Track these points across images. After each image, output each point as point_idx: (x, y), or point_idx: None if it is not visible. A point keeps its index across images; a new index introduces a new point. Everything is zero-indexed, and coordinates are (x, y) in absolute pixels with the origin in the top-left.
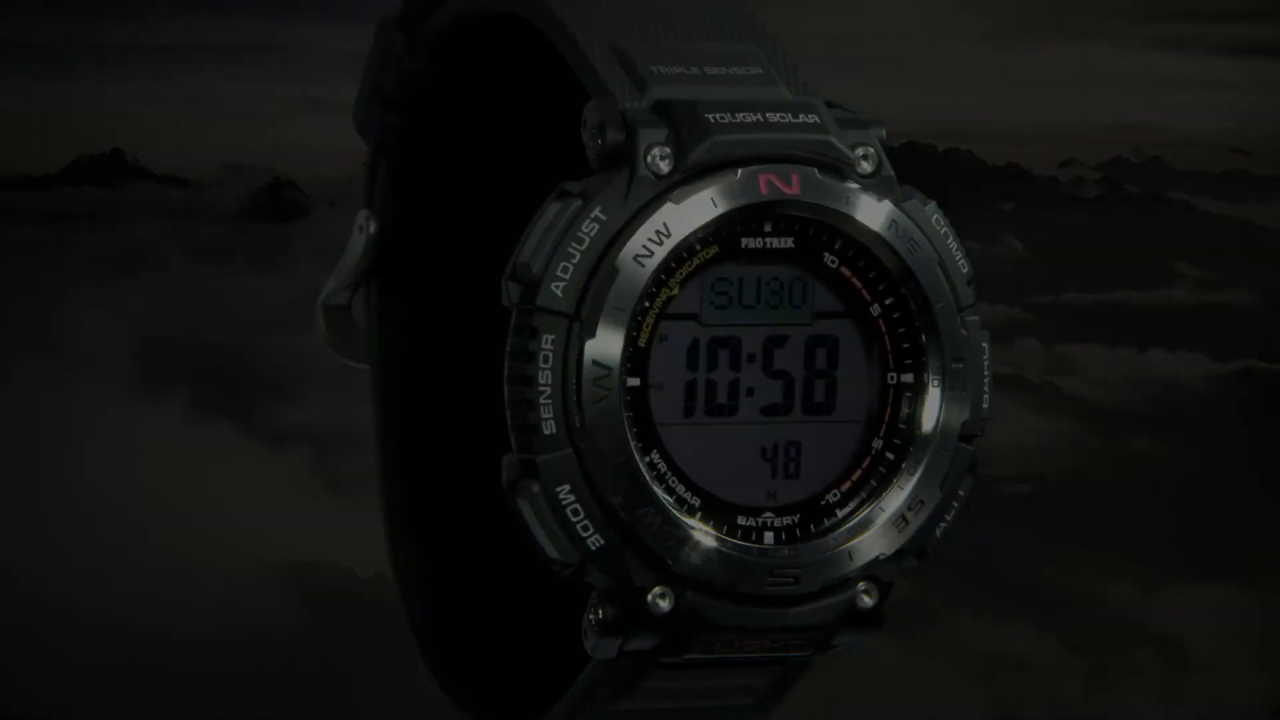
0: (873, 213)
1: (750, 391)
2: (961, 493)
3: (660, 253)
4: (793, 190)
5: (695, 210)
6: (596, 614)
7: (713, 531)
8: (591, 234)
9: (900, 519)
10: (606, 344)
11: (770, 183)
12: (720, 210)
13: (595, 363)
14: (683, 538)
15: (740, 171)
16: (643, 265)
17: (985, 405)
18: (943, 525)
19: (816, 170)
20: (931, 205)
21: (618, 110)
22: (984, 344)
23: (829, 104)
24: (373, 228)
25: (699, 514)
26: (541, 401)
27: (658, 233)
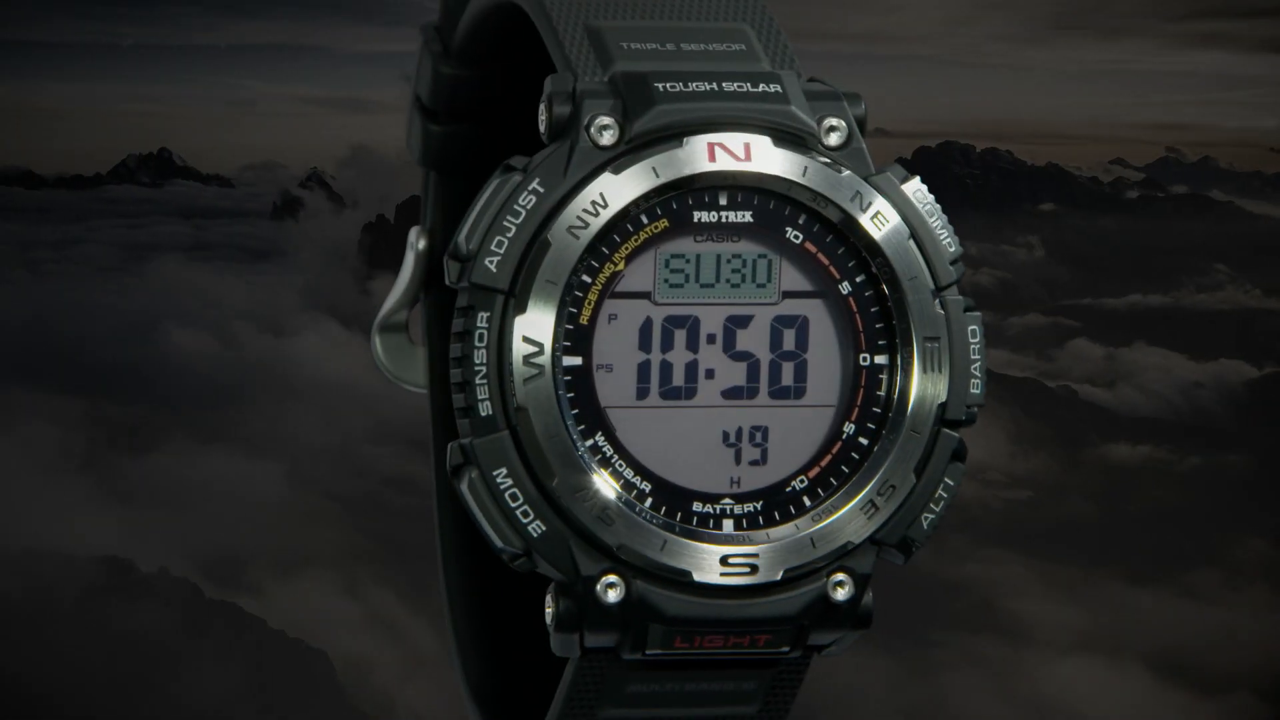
0: (833, 184)
1: (710, 374)
2: (950, 482)
3: (596, 224)
4: (744, 160)
5: (635, 180)
6: (552, 608)
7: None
8: (528, 207)
9: (869, 504)
10: (538, 319)
11: (719, 152)
12: (663, 179)
13: (526, 339)
14: (604, 507)
15: (686, 140)
16: (576, 237)
17: (975, 391)
18: (929, 517)
19: (771, 140)
20: (913, 182)
21: (570, 85)
22: (974, 327)
23: (811, 80)
24: (422, 244)
25: (649, 499)
26: (477, 382)
27: (594, 203)
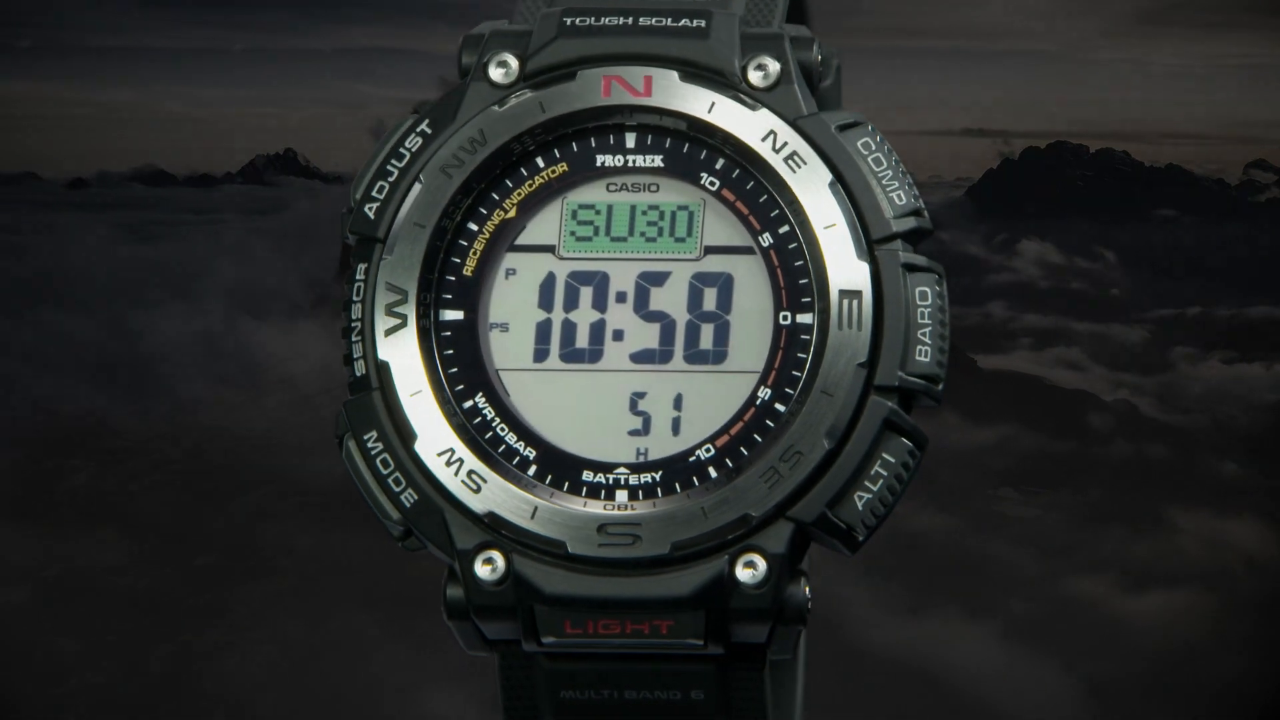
0: (743, 122)
1: (619, 335)
2: (890, 459)
3: (472, 162)
4: (642, 94)
5: (517, 115)
6: (444, 595)
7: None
8: (414, 149)
9: (770, 472)
10: (401, 265)
11: (615, 86)
12: (549, 115)
13: (389, 285)
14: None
15: (580, 74)
16: (449, 176)
17: (922, 359)
18: (864, 497)
19: (678, 75)
20: (859, 130)
21: (486, 30)
22: (924, 289)
23: (787, 26)
24: None
25: (533, 467)
26: (354, 339)
27: (471, 140)
